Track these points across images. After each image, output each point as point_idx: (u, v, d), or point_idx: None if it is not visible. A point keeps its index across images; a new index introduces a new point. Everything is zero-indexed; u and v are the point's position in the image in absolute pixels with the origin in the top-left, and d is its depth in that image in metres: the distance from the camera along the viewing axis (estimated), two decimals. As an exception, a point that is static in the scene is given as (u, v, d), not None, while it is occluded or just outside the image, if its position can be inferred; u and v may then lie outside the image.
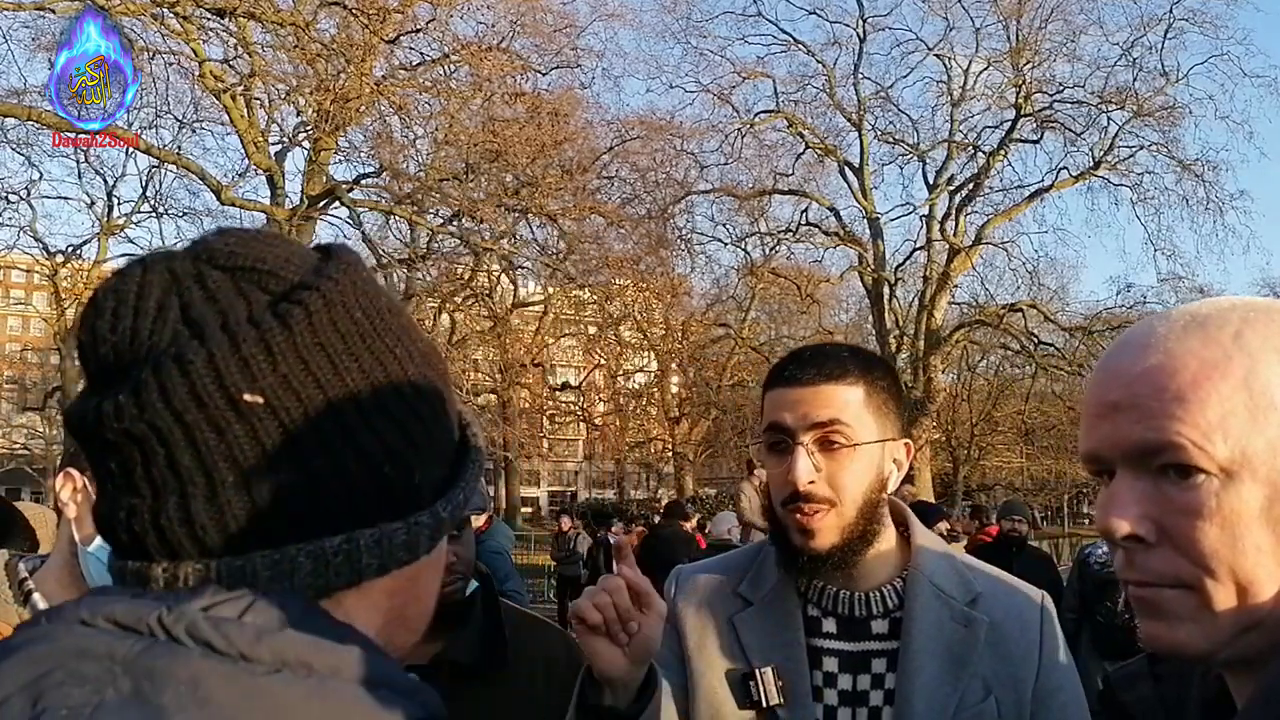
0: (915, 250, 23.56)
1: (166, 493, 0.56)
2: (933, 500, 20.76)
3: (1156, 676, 0.84)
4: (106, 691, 0.51)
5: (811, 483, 1.27)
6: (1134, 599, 0.73)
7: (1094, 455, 0.74)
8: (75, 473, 1.40)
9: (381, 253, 18.28)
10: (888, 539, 1.35)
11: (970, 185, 22.81)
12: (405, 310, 0.66)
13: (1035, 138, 22.64)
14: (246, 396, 0.55)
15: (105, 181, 21.18)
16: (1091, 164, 22.12)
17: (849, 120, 23.27)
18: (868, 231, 23.27)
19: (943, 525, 6.66)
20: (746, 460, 13.00)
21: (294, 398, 0.57)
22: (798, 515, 1.28)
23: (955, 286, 23.11)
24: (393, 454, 0.60)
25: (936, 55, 23.27)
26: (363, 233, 18.07)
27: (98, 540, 1.37)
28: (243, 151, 16.82)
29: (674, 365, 28.34)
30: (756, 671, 1.30)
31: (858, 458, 1.29)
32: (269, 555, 0.57)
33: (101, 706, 0.50)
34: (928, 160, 23.50)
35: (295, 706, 0.53)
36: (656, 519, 12.26)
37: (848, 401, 1.29)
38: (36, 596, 1.42)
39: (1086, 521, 35.87)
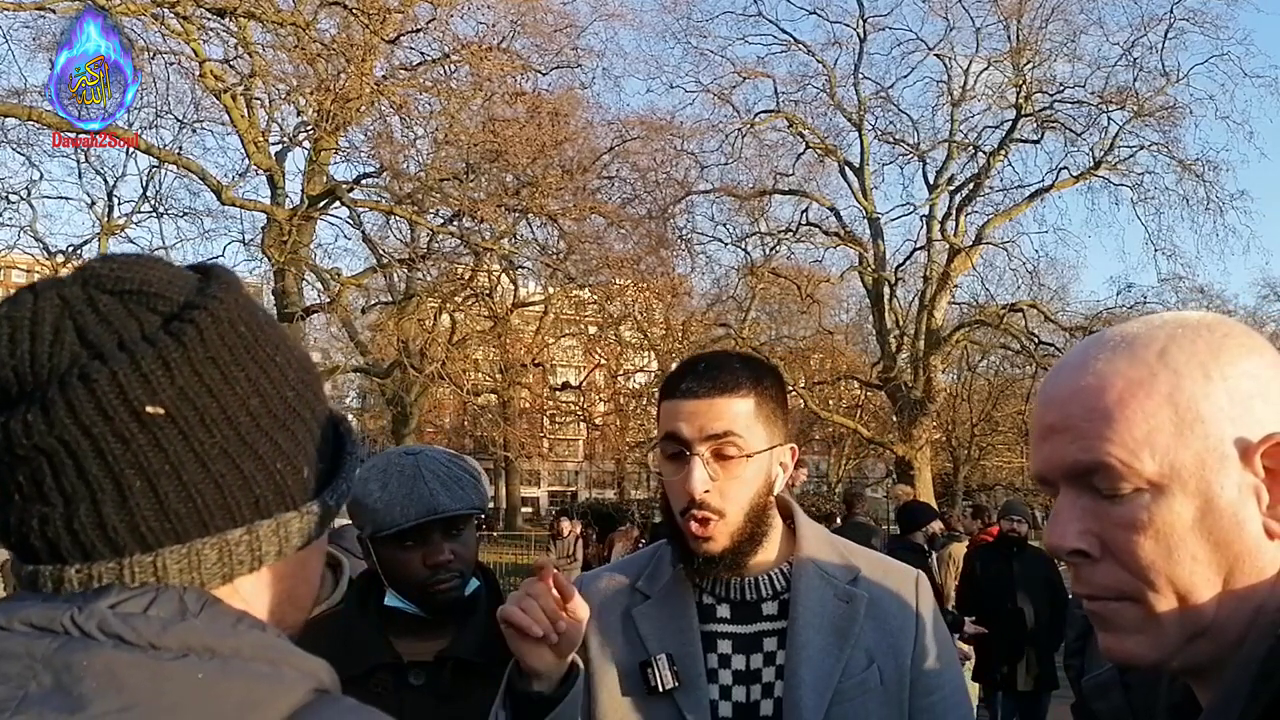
0: (915, 250, 23.56)
1: (77, 500, 0.61)
2: (933, 500, 20.80)
3: (1126, 685, 0.85)
4: (29, 686, 0.56)
5: (706, 492, 1.35)
6: (1087, 612, 0.76)
7: (1040, 476, 0.77)
8: None
9: (382, 252, 18.28)
10: (775, 532, 1.45)
11: (970, 185, 22.80)
12: (279, 324, 0.73)
13: (1035, 138, 22.63)
14: (148, 409, 0.61)
15: (105, 181, 21.12)
16: (1092, 164, 22.12)
17: (849, 120, 23.27)
18: (868, 231, 23.28)
19: (934, 526, 6.66)
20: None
21: (191, 407, 0.62)
22: (692, 523, 1.36)
23: (955, 286, 23.11)
24: (282, 452, 0.67)
25: (937, 55, 23.27)
26: (363, 233, 18.08)
27: None
28: (243, 151, 16.81)
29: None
30: (652, 659, 1.39)
31: (749, 467, 1.37)
32: (177, 549, 0.63)
33: (26, 698, 0.56)
34: (928, 160, 23.51)
35: (203, 686, 0.58)
36: (656, 518, 12.29)
37: (740, 413, 1.37)
38: None
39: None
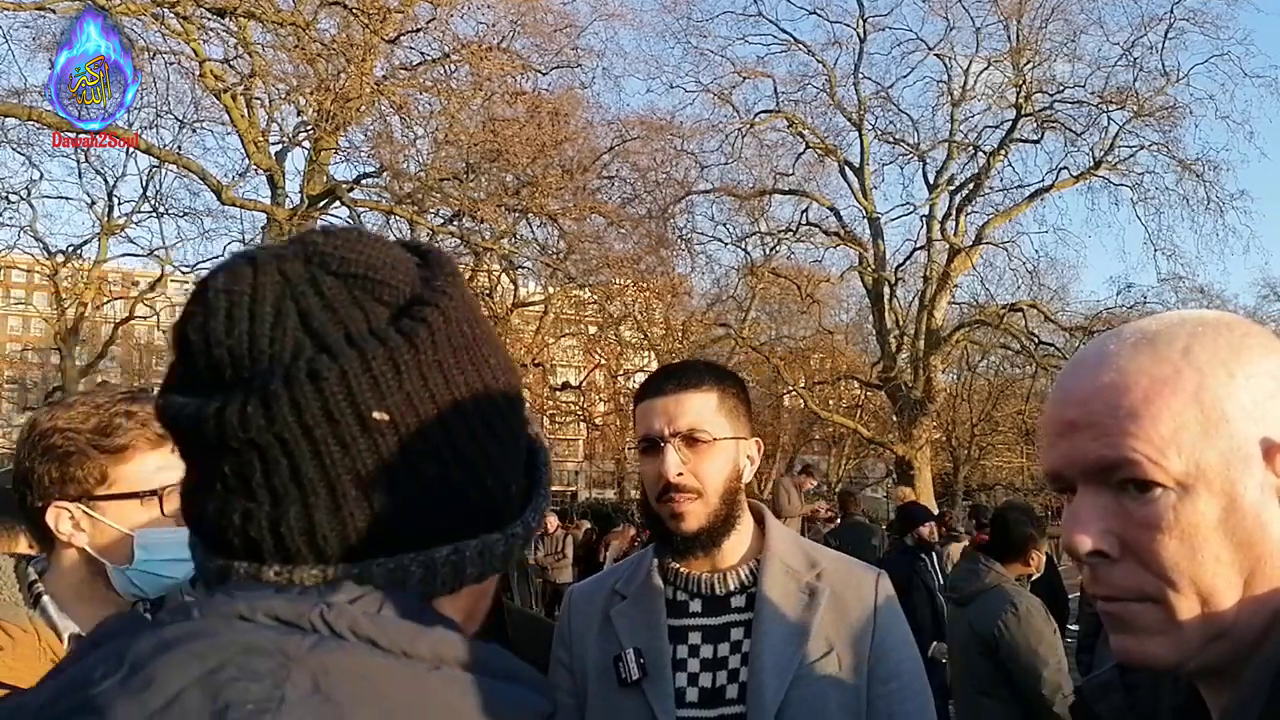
0: (915, 250, 23.54)
1: (287, 501, 0.57)
2: (934, 500, 20.78)
3: (1127, 686, 0.84)
4: (285, 687, 0.51)
5: (680, 474, 1.49)
6: (1103, 614, 0.74)
7: (1055, 473, 0.76)
8: (67, 505, 1.38)
9: (382, 252, 18.26)
10: (746, 529, 1.58)
11: (970, 185, 22.79)
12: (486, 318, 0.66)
13: (1035, 137, 22.60)
14: (375, 414, 0.56)
15: (105, 181, 21.17)
16: (1092, 164, 22.09)
17: (849, 120, 23.26)
18: (868, 231, 23.26)
19: (924, 529, 6.65)
20: (802, 466, 13.06)
21: (414, 414, 0.58)
22: (670, 504, 1.50)
23: (955, 286, 23.09)
24: (493, 466, 0.62)
25: (937, 55, 23.26)
26: (363, 232, 18.06)
27: (137, 555, 1.38)
28: (243, 151, 16.81)
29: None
30: (622, 653, 1.51)
31: (717, 452, 1.51)
32: (384, 563, 0.58)
33: (285, 702, 0.50)
34: (928, 160, 23.49)
35: (456, 703, 0.54)
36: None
37: (704, 406, 1.52)
38: (46, 599, 1.42)
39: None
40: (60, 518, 1.39)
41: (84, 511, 1.38)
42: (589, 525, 14.03)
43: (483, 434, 0.61)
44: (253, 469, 0.57)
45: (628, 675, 1.49)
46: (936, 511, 14.24)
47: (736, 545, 1.56)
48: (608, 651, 1.53)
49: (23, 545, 2.12)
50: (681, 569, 1.56)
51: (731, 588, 1.54)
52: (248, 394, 0.55)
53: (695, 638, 1.52)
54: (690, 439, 1.50)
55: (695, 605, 1.55)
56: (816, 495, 24.23)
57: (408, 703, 0.52)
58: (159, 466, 1.41)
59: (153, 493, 1.39)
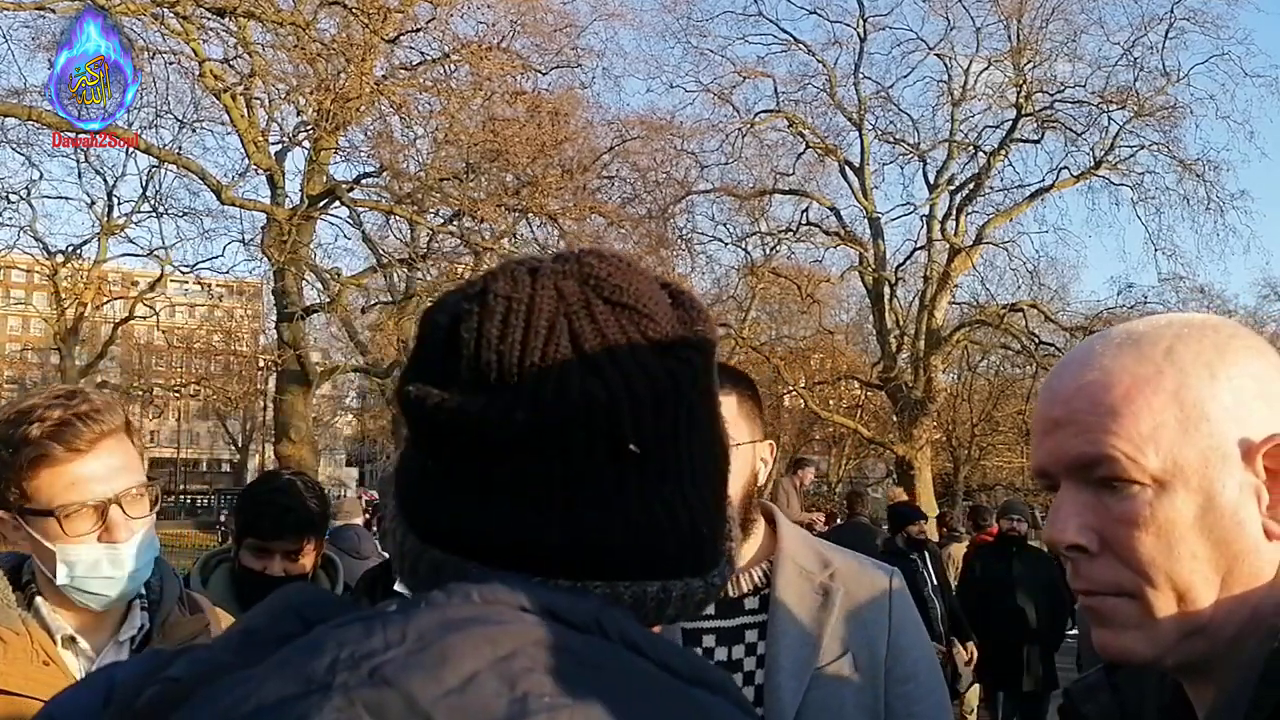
0: (916, 250, 23.54)
1: (523, 508, 0.58)
2: (934, 499, 20.78)
3: (1114, 686, 0.85)
4: (575, 683, 0.51)
5: None
6: (1083, 608, 0.76)
7: (1041, 470, 0.78)
8: (3, 514, 1.37)
9: (382, 252, 18.28)
10: (757, 531, 1.58)
11: (971, 185, 22.79)
12: None
13: (1036, 137, 22.60)
14: (630, 445, 0.58)
15: (105, 181, 21.17)
16: (1092, 164, 22.09)
17: (849, 120, 23.25)
18: (868, 231, 23.26)
19: (912, 527, 6.64)
20: (794, 459, 13.00)
21: (662, 451, 0.59)
22: None
23: (956, 286, 23.09)
24: (707, 513, 0.63)
25: (937, 55, 23.26)
26: (363, 232, 18.09)
27: (60, 573, 1.36)
28: (243, 151, 16.82)
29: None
30: None
31: (735, 457, 1.43)
32: (601, 586, 0.59)
33: (579, 701, 0.50)
34: (928, 160, 23.48)
35: (702, 712, 0.54)
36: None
37: (724, 410, 1.45)
38: (40, 600, 1.41)
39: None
40: (4, 524, 1.38)
41: (18, 521, 1.36)
42: None
43: (707, 480, 0.63)
44: (498, 472, 0.58)
45: None
46: (937, 512, 14.27)
47: (749, 547, 1.56)
48: None
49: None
50: None
51: (745, 589, 1.54)
52: (516, 400, 0.57)
53: (709, 640, 1.52)
54: None
55: (708, 608, 1.54)
56: (816, 494, 24.23)
57: (675, 712, 0.53)
58: (71, 483, 1.34)
59: (50, 512, 1.33)
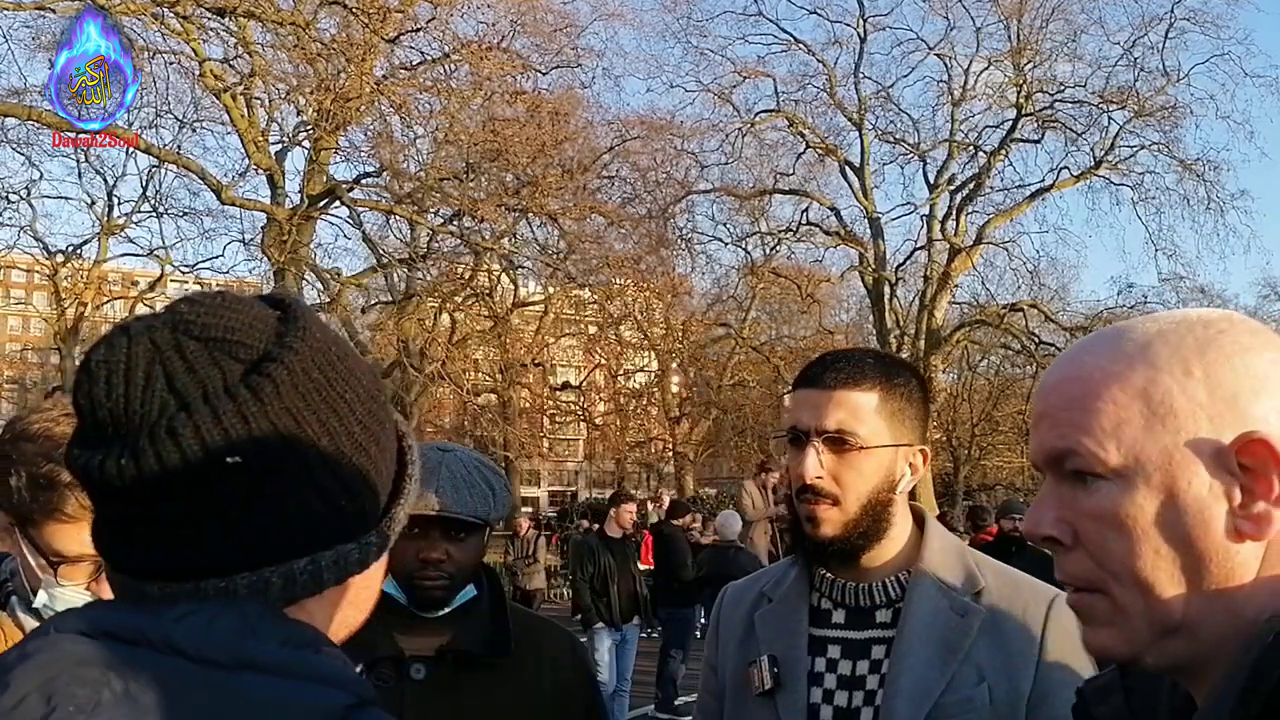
0: (916, 250, 23.57)
1: (162, 532, 0.69)
2: (934, 499, 20.78)
3: (1127, 689, 0.84)
4: (103, 691, 0.63)
5: (819, 478, 1.37)
6: (1069, 604, 0.77)
7: (1033, 464, 0.80)
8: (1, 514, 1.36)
9: (382, 252, 18.29)
10: (898, 536, 1.43)
11: (971, 185, 22.81)
12: (349, 350, 0.77)
13: (1036, 137, 22.63)
14: (227, 459, 0.66)
15: (105, 181, 21.19)
16: (1092, 163, 22.12)
17: (850, 120, 23.27)
18: (868, 231, 23.27)
19: None
20: (758, 461, 12.92)
21: (265, 454, 0.68)
22: (806, 505, 1.39)
23: (956, 286, 23.11)
24: (348, 489, 0.72)
25: (937, 55, 23.27)
26: (363, 232, 18.09)
27: (39, 598, 1.36)
28: (243, 151, 16.83)
29: (674, 365, 28.33)
30: (757, 659, 1.41)
31: (865, 459, 1.37)
32: (247, 576, 0.69)
33: (101, 703, 0.62)
34: (928, 160, 23.51)
35: (251, 700, 0.65)
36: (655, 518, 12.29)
37: (860, 406, 1.38)
38: (15, 600, 1.41)
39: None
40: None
41: (15, 531, 1.36)
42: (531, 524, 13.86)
43: (335, 461, 0.71)
44: (132, 508, 0.68)
45: (760, 684, 1.39)
46: (937, 512, 14.27)
47: (884, 553, 1.42)
48: (746, 656, 1.45)
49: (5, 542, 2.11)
50: (828, 574, 1.44)
51: (877, 600, 1.41)
52: (122, 449, 0.67)
53: (835, 651, 1.41)
54: (837, 440, 1.36)
55: (839, 615, 1.43)
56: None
57: (205, 701, 0.64)
58: (82, 540, 1.30)
59: (49, 559, 1.33)
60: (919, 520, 1.48)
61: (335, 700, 0.68)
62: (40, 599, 1.36)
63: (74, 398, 0.71)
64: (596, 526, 8.39)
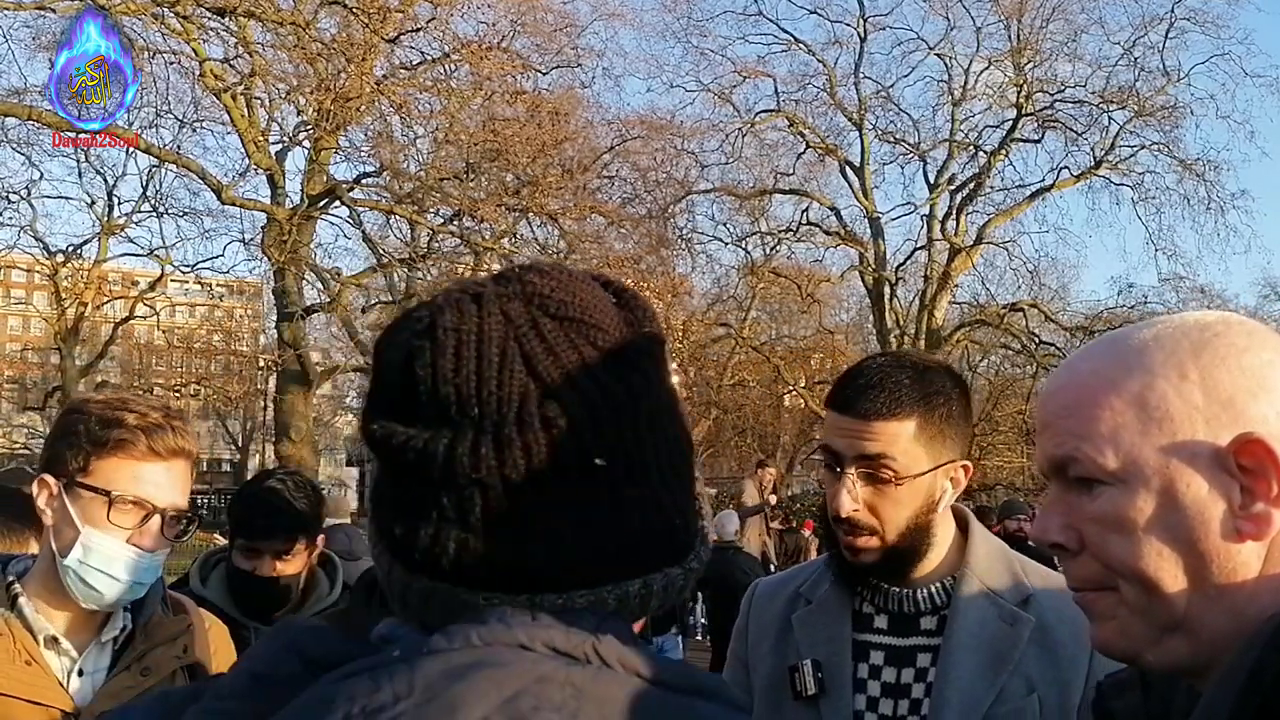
0: (916, 250, 23.55)
1: (505, 533, 0.60)
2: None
3: (1146, 686, 0.85)
4: (580, 718, 0.54)
5: (856, 510, 1.32)
6: (1076, 602, 0.79)
7: (1040, 472, 0.81)
8: (50, 479, 1.39)
9: (382, 252, 18.28)
10: (941, 544, 1.39)
11: (971, 185, 22.80)
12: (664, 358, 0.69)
13: (1036, 137, 22.62)
14: (597, 459, 0.60)
15: (105, 181, 21.14)
16: (1093, 163, 22.10)
17: (850, 120, 23.25)
18: (868, 231, 23.26)
19: None
20: (756, 460, 12.89)
21: (627, 459, 0.61)
22: (844, 535, 1.35)
23: (956, 286, 23.10)
24: (680, 508, 0.65)
25: (937, 55, 23.25)
26: (363, 232, 18.08)
27: (73, 553, 1.37)
28: (243, 151, 16.81)
29: (674, 365, 28.30)
30: (800, 664, 1.37)
31: (903, 490, 1.32)
32: (586, 595, 0.61)
33: None
34: (929, 160, 23.49)
35: None
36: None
37: (898, 436, 1.31)
38: (23, 600, 1.41)
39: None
40: (42, 490, 1.40)
41: (61, 492, 1.38)
42: None
43: (676, 477, 0.65)
44: (474, 503, 0.59)
45: (804, 689, 1.35)
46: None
47: (929, 562, 1.38)
48: (784, 659, 1.41)
49: (33, 547, 2.11)
50: (871, 578, 1.40)
51: (922, 607, 1.37)
52: (479, 434, 0.58)
53: (878, 657, 1.37)
54: (874, 472, 1.31)
55: (881, 621, 1.39)
56: (816, 494, 24.17)
57: None
58: (136, 477, 1.39)
59: (105, 493, 1.37)
60: (962, 523, 1.43)
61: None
62: (74, 554, 1.37)
63: (403, 363, 0.61)
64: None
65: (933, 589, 1.38)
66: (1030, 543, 6.81)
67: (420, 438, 0.59)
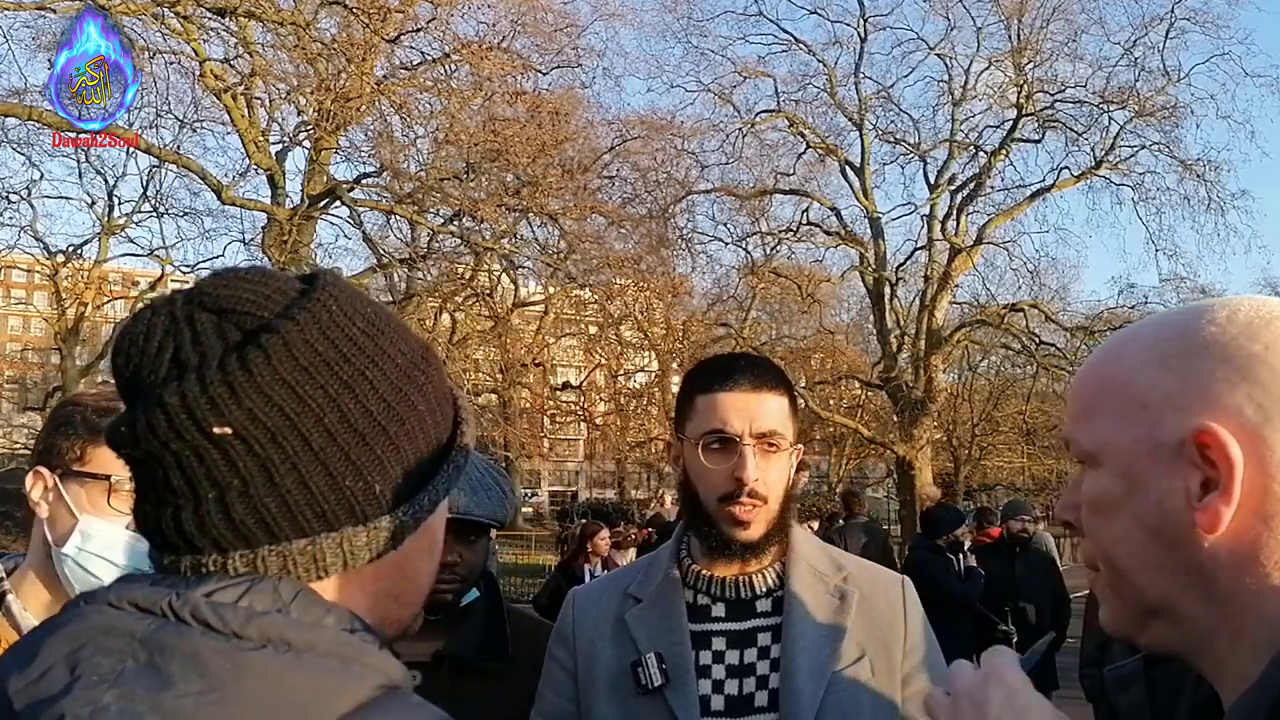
0: (916, 250, 23.55)
1: (180, 502, 0.68)
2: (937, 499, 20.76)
3: (1150, 680, 0.86)
4: (127, 662, 0.64)
5: (757, 480, 1.43)
6: (1089, 583, 0.84)
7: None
8: (45, 471, 1.39)
9: (382, 252, 18.27)
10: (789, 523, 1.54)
11: (971, 185, 22.78)
12: (386, 327, 0.74)
13: (1037, 137, 22.60)
14: (215, 429, 0.66)
15: (106, 181, 21.17)
16: (1093, 163, 22.09)
17: (850, 120, 23.25)
18: (869, 231, 23.25)
19: (957, 531, 6.63)
20: None
21: (260, 426, 0.67)
22: (735, 509, 1.44)
23: (956, 286, 23.09)
24: (355, 468, 0.70)
25: (938, 55, 23.25)
26: (363, 232, 18.06)
27: (71, 541, 1.36)
28: (243, 151, 16.80)
29: (675, 365, 28.30)
30: (642, 658, 1.45)
31: (784, 459, 1.48)
32: (246, 554, 0.68)
33: (123, 673, 0.63)
34: (929, 160, 23.47)
35: (276, 676, 0.64)
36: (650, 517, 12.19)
37: (780, 409, 1.48)
38: (10, 598, 1.40)
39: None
40: (36, 483, 1.38)
41: (56, 483, 1.37)
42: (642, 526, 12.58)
43: (344, 439, 0.69)
44: (151, 477, 0.69)
45: (649, 681, 1.43)
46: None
47: (779, 542, 1.53)
48: (624, 657, 1.48)
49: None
50: (704, 571, 1.51)
51: (758, 591, 1.50)
52: (134, 417, 0.68)
53: (719, 643, 1.47)
54: (766, 443, 1.45)
55: (719, 609, 1.50)
56: (816, 494, 24.19)
57: (226, 676, 0.63)
58: None
59: (106, 477, 1.36)
60: None
61: (366, 680, 0.66)
62: (73, 542, 1.36)
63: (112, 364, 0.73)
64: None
65: (765, 573, 1.50)
66: (1032, 543, 6.79)
67: (112, 421, 0.71)
